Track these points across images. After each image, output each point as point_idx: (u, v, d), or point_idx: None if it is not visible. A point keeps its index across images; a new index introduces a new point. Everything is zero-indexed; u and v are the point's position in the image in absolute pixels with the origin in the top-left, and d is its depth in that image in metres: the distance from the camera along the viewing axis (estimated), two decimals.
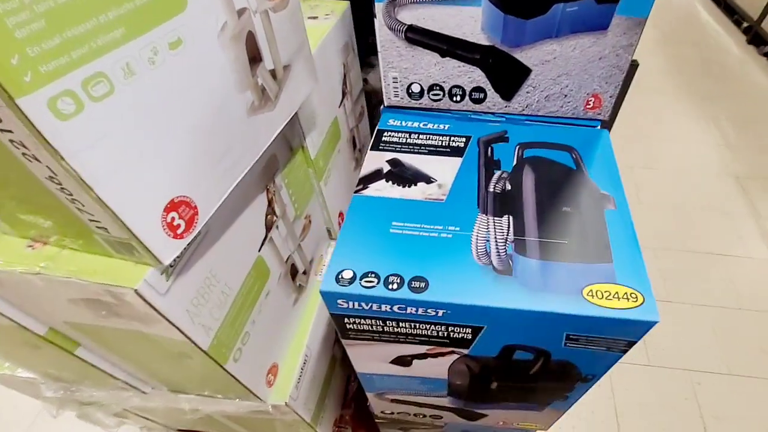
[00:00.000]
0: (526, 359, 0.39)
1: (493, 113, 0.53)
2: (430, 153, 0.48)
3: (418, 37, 0.47)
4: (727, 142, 2.00)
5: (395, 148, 0.49)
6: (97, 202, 0.27)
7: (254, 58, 0.40)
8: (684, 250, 1.54)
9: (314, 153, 0.60)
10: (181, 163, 0.32)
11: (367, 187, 0.44)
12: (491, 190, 0.42)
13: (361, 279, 0.34)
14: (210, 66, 0.34)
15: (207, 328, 0.40)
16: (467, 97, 0.52)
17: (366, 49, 0.88)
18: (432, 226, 0.38)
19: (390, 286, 0.34)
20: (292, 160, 0.56)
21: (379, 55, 0.51)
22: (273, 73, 0.43)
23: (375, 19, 0.47)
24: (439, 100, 0.53)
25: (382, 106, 0.58)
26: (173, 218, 0.32)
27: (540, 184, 0.42)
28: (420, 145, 0.49)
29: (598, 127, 0.51)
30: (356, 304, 0.35)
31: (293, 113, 0.48)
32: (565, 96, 0.49)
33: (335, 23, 0.64)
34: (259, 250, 0.49)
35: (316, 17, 0.65)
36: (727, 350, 1.26)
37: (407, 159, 0.47)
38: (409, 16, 0.46)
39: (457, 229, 0.38)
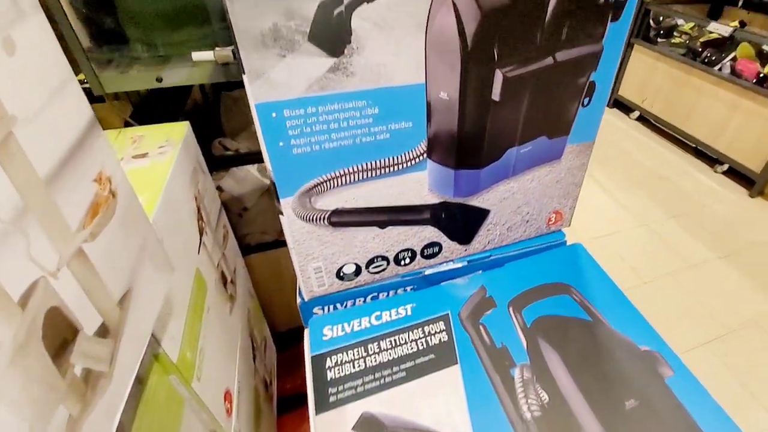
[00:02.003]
0: None
1: (452, 260, 0.50)
2: (411, 374, 0.39)
3: (348, 218, 0.41)
4: None
5: (355, 388, 0.38)
6: None
7: (64, 341, 0.30)
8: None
9: (176, 353, 0.50)
10: None
11: None
12: (528, 416, 0.37)
13: None
14: None
15: None
16: (419, 256, 0.48)
17: (212, 158, 0.77)
18: None
19: None
20: (144, 392, 0.45)
21: (292, 251, 0.42)
22: (103, 329, 0.34)
23: (281, 216, 0.38)
24: (383, 270, 0.47)
25: (299, 300, 0.48)
26: None
27: (575, 370, 0.39)
28: (392, 365, 0.40)
29: (565, 239, 0.54)
30: None
31: (145, 347, 0.39)
32: (527, 222, 0.50)
33: (177, 155, 0.54)
34: None
35: (145, 154, 0.54)
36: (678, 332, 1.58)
37: (385, 405, 0.37)
38: (332, 201, 0.39)
39: None
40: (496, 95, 0.36)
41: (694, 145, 2.47)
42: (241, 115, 0.86)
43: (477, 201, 0.45)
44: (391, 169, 0.38)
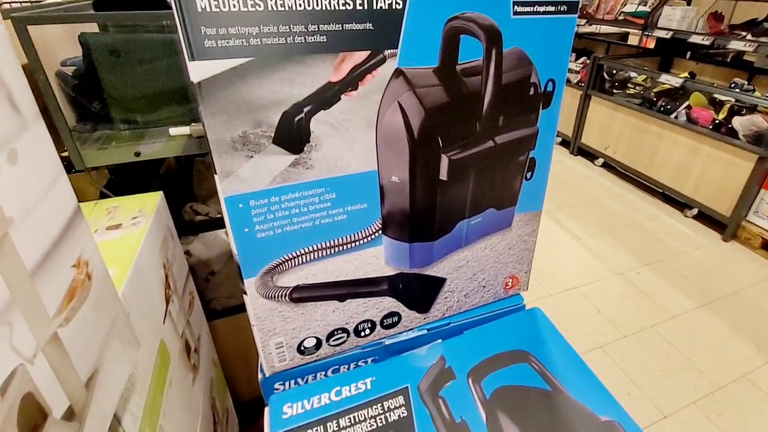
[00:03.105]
0: None
1: (411, 329, 0.57)
2: None
3: (309, 293, 0.47)
4: None
5: None
6: None
7: (35, 426, 0.33)
8: (555, 292, 1.99)
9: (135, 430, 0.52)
10: None
11: None
12: None
13: None
14: None
15: None
16: (378, 327, 0.54)
17: (182, 223, 0.82)
18: None
19: None
20: None
21: (254, 328, 0.47)
22: (69, 412, 0.37)
23: (245, 296, 0.44)
24: (343, 342, 0.53)
25: (261, 377, 0.53)
26: None
27: None
28: None
29: (524, 303, 0.62)
30: None
31: (107, 429, 0.42)
32: (484, 287, 0.58)
33: (149, 226, 0.60)
34: None
35: (119, 225, 0.59)
36: (661, 394, 1.68)
37: None
38: (293, 278, 0.45)
39: None
40: (444, 176, 0.45)
41: (661, 190, 2.72)
42: (212, 180, 0.92)
43: (433, 270, 0.53)
44: (349, 246, 0.46)
